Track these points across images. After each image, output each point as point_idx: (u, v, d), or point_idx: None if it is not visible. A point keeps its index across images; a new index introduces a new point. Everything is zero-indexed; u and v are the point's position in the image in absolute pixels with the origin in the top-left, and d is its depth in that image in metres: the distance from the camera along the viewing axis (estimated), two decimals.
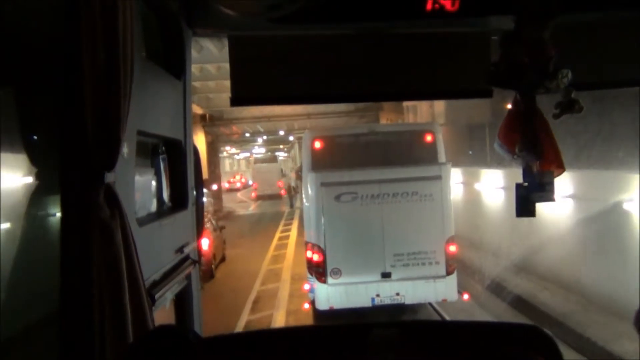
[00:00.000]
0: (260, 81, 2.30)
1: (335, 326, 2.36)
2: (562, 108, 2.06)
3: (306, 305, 10.54)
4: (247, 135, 39.49)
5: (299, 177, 25.78)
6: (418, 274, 9.74)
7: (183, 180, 2.57)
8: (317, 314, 10.20)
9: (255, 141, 48.32)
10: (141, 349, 1.33)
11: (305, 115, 27.25)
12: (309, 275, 10.19)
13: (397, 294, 9.77)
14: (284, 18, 1.99)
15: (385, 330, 1.96)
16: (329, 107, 24.77)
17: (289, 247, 19.61)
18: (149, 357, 1.28)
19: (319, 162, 10.31)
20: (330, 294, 9.75)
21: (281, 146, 53.61)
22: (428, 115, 20.41)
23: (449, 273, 9.75)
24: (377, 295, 9.72)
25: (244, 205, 40.14)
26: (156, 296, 1.87)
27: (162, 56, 2.40)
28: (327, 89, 2.37)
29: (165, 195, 2.55)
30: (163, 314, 2.24)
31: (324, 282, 9.74)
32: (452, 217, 9.92)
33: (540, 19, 1.99)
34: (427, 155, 10.36)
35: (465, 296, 10.11)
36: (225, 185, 55.68)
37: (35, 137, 1.70)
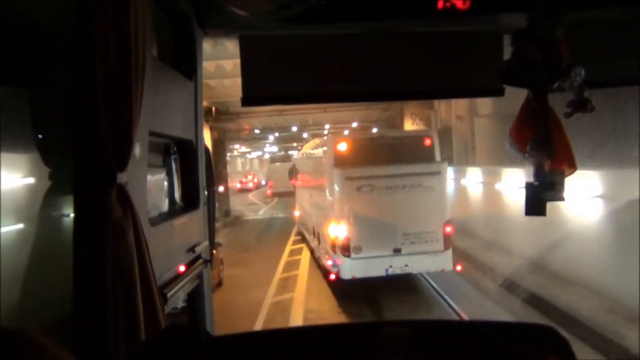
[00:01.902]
0: (271, 81, 2.30)
1: (347, 325, 2.36)
2: (575, 107, 2.04)
3: (332, 276, 12.63)
4: (257, 132, 36.87)
5: (293, 176, 25.40)
6: (422, 249, 12.19)
7: (194, 180, 2.58)
8: (341, 282, 12.39)
9: (267, 138, 45.96)
10: (153, 348, 1.33)
11: (321, 109, 25.70)
12: (331, 252, 12.59)
13: (406, 265, 12.22)
14: (295, 18, 1.99)
15: (396, 329, 1.95)
16: None
17: (302, 266, 16.09)
18: (160, 356, 1.29)
19: (341, 161, 12.74)
20: (353, 266, 12.11)
21: (294, 144, 48.86)
22: (465, 106, 19.43)
23: (446, 248, 12.30)
24: (390, 267, 12.15)
25: (254, 208, 37.44)
26: (168, 295, 1.88)
27: (173, 56, 2.41)
28: (338, 88, 2.36)
29: (177, 195, 2.56)
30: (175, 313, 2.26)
31: (348, 256, 12.12)
32: (448, 205, 12.72)
33: (553, 17, 1.97)
34: (427, 156, 12.95)
35: (459, 267, 12.59)
36: (237, 185, 54.88)
37: (48, 138, 1.72)
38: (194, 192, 2.57)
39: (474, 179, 17.08)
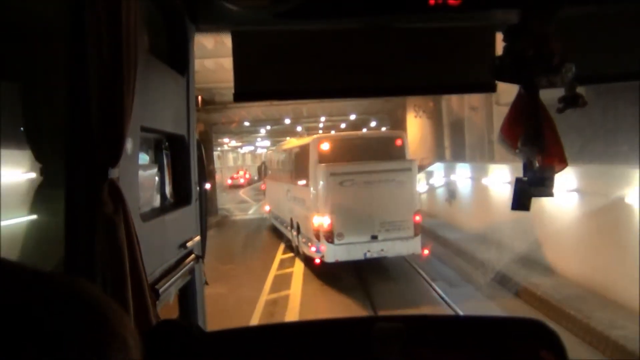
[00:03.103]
0: (263, 76, 2.30)
1: (340, 319, 2.36)
2: (566, 102, 2.05)
3: (317, 261, 14.17)
4: (247, 124, 35.17)
5: (263, 174, 25.22)
6: (395, 235, 13.98)
7: (186, 175, 2.57)
8: (325, 265, 13.94)
9: (258, 132, 44.10)
10: (145, 344, 1.33)
11: (316, 100, 23.42)
12: (315, 240, 14.11)
13: (382, 250, 14.03)
14: (287, 13, 1.98)
15: (389, 324, 1.96)
16: None
17: (294, 283, 13.91)
18: (153, 351, 1.29)
19: (324, 159, 14.48)
20: (336, 251, 13.85)
21: (288, 138, 45.70)
22: (480, 95, 18.77)
23: (415, 235, 14.14)
24: (368, 251, 13.95)
25: (244, 207, 34.20)
26: (160, 291, 1.88)
27: (165, 52, 2.40)
28: (330, 84, 2.36)
29: (169, 190, 2.56)
30: (167, 309, 2.25)
31: (332, 242, 13.82)
32: (417, 197, 14.74)
33: (545, 12, 1.98)
34: (399, 154, 14.98)
35: (426, 251, 14.45)
36: (228, 181, 53.91)
37: (39, 133, 1.71)
38: (185, 187, 2.57)
39: (498, 178, 15.06)
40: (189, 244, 2.42)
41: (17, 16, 1.57)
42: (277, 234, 20.40)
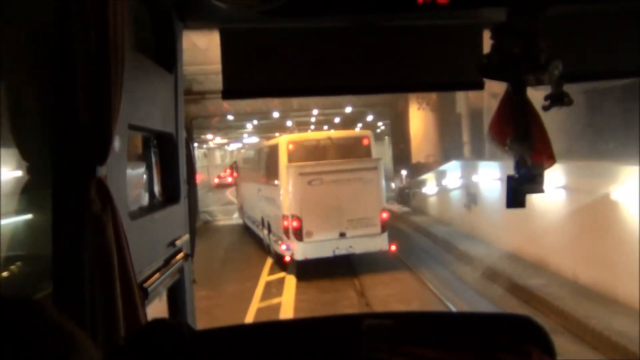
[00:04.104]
0: (252, 74, 2.30)
1: (329, 317, 2.37)
2: (552, 100, 2.07)
3: (287, 258, 14.54)
4: (231, 118, 32.00)
5: (235, 173, 25.08)
6: (363, 232, 14.27)
7: (175, 173, 2.56)
8: (295, 262, 14.36)
9: (244, 127, 40.66)
10: (134, 343, 1.33)
11: None
12: (285, 238, 14.44)
13: (350, 247, 14.34)
14: (275, 11, 1.98)
15: (378, 321, 1.97)
16: None
17: (285, 310, 11.59)
18: (142, 350, 1.29)
19: (293, 158, 14.83)
20: (305, 249, 14.23)
21: (277, 134, 38.38)
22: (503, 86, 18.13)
23: (382, 231, 14.47)
24: (337, 248, 14.25)
25: (230, 209, 29.28)
26: (149, 289, 1.88)
27: (153, 50, 2.39)
28: (319, 81, 2.36)
29: (157, 188, 2.54)
30: (157, 307, 2.25)
31: (301, 240, 14.15)
32: (383, 194, 15.04)
33: (532, 11, 1.99)
34: (365, 153, 15.33)
35: (393, 247, 14.56)
36: (215, 180, 52.39)
37: (25, 132, 1.69)
38: (174, 185, 2.56)
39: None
40: (177, 242, 2.41)
41: (3, 14, 1.55)
42: (262, 246, 17.66)
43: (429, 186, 21.87)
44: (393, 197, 27.02)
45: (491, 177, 14.69)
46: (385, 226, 14.58)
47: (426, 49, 2.31)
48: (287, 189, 14.57)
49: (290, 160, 14.86)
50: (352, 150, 15.41)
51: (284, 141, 15.59)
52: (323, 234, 14.19)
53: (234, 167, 26.23)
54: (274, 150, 16.27)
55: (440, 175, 20.04)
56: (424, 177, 22.88)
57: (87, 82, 1.43)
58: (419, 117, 26.61)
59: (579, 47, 2.25)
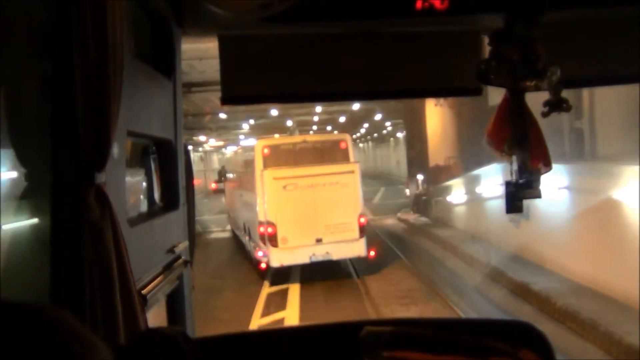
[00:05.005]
0: (251, 80, 2.31)
1: (327, 325, 2.36)
2: (551, 106, 2.08)
3: (262, 265, 14.48)
4: (223, 116, 29.30)
5: (223, 178, 24.86)
6: (340, 238, 14.12)
7: (174, 180, 2.56)
8: (271, 269, 14.17)
9: (239, 127, 37.58)
10: (130, 352, 1.32)
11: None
12: (261, 244, 14.31)
13: (327, 253, 14.18)
14: (274, 17, 1.99)
15: (376, 328, 1.97)
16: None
17: None
18: (140, 358, 1.28)
19: (268, 163, 14.60)
20: (281, 255, 14.07)
21: (276, 135, 35.21)
22: None
23: (360, 237, 14.27)
24: (313, 254, 14.11)
25: (226, 218, 25.20)
26: (148, 296, 1.87)
27: (152, 56, 2.39)
28: (317, 87, 2.37)
29: (156, 195, 2.54)
30: (156, 314, 2.24)
31: (276, 246, 13.97)
32: (361, 199, 14.63)
33: (530, 17, 2.00)
34: (343, 157, 15.06)
35: (372, 252, 14.49)
36: (212, 185, 49.34)
37: (24, 138, 1.69)
38: (173, 192, 2.56)
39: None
40: (176, 249, 2.41)
41: (1, 18, 1.55)
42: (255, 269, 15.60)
43: (456, 194, 18.97)
44: (408, 205, 25.47)
45: (553, 184, 9.91)
46: (363, 231, 14.42)
47: (425, 54, 2.32)
48: (262, 194, 14.43)
49: (265, 164, 14.68)
50: (330, 154, 15.23)
51: (259, 145, 15.47)
52: (299, 240, 14.03)
53: (222, 172, 26.10)
54: (250, 155, 16.16)
55: (472, 181, 16.79)
56: (448, 183, 20.21)
57: (85, 88, 1.43)
58: (437, 115, 24.14)
59: (576, 53, 2.26)
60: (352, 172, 14.59)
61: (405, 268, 15.28)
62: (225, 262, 18.25)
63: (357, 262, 15.42)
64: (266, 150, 15.01)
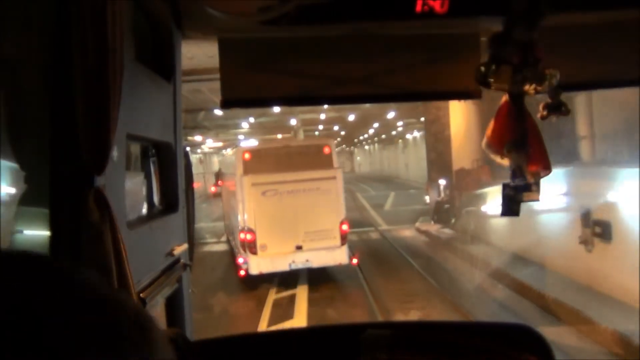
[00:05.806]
0: (251, 83, 2.31)
1: (328, 327, 2.36)
2: (550, 109, 2.08)
3: (242, 272, 14.27)
4: (218, 112, 26.96)
5: (220, 181, 24.68)
6: (321, 245, 13.91)
7: (173, 183, 2.56)
8: (250, 277, 13.91)
9: (238, 126, 35.42)
10: None
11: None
12: (242, 251, 14.08)
13: (307, 260, 13.99)
14: (274, 20, 1.99)
15: (377, 331, 1.96)
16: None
17: None
18: None
19: (248, 168, 14.32)
20: (260, 263, 13.92)
21: (279, 135, 35.18)
22: None
23: (342, 244, 14.10)
24: (293, 262, 13.96)
25: (222, 228, 23.24)
26: (147, 299, 1.87)
27: (151, 58, 2.39)
28: (318, 91, 2.37)
29: (156, 198, 2.54)
30: (156, 317, 2.23)
31: (255, 253, 13.79)
32: (343, 205, 14.43)
33: (530, 20, 2.00)
34: (326, 162, 14.66)
35: (355, 260, 14.39)
36: (212, 189, 48.05)
37: (23, 141, 1.69)
38: (173, 194, 2.56)
39: None
40: (176, 252, 2.41)
41: (1, 21, 1.55)
42: (263, 286, 14.59)
43: (488, 205, 16.28)
44: (425, 212, 22.70)
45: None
46: (345, 238, 14.17)
47: (424, 58, 2.32)
48: (242, 200, 14.28)
49: (245, 170, 14.45)
50: (313, 159, 14.90)
51: (239, 151, 15.24)
52: (278, 248, 13.85)
53: (219, 175, 26.04)
54: (233, 160, 16.05)
55: None
56: (483, 190, 17.25)
57: (85, 91, 1.43)
58: (461, 111, 21.25)
59: (576, 56, 2.26)
60: (334, 177, 14.37)
61: (445, 302, 11.79)
62: (217, 284, 15.10)
63: (378, 297, 12.84)
64: (247, 156, 14.77)
